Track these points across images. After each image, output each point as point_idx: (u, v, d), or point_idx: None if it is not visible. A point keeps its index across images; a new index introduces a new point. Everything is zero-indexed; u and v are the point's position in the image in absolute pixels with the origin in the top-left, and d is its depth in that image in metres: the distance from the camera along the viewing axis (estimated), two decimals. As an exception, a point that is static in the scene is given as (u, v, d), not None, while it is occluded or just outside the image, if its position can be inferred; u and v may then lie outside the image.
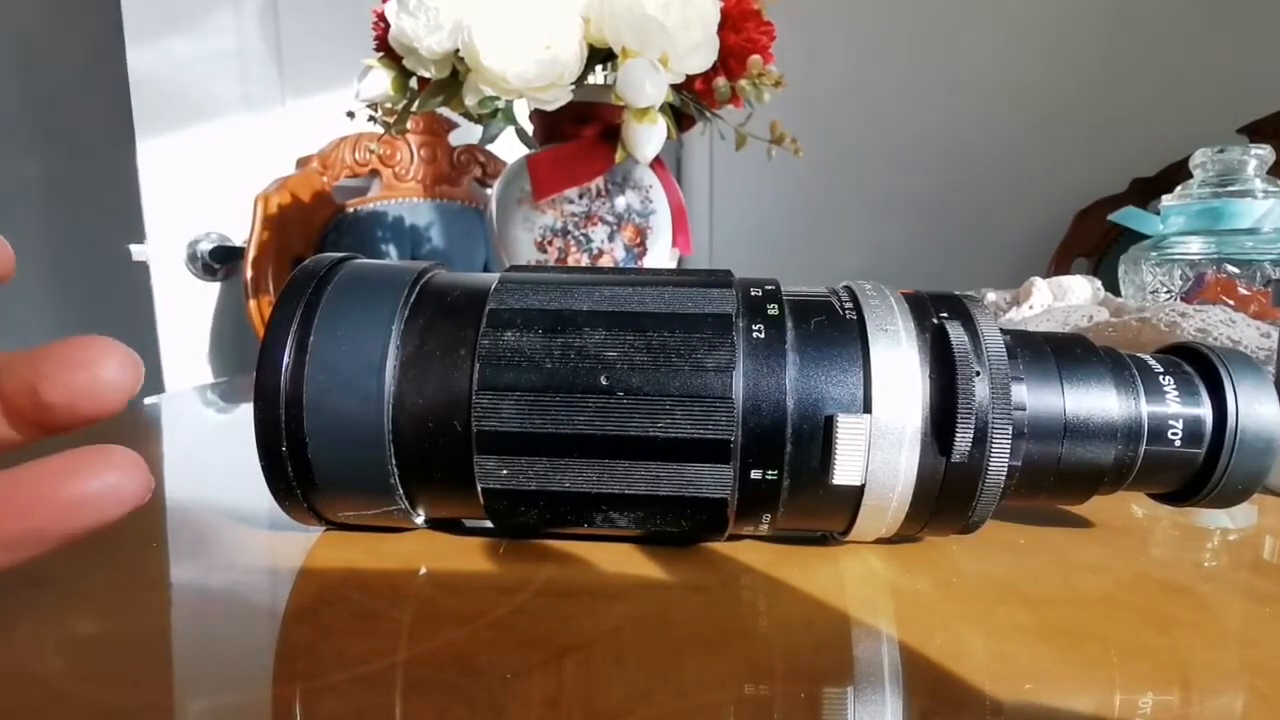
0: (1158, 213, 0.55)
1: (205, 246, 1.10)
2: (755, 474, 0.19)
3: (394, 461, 0.19)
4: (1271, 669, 0.16)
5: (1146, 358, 0.21)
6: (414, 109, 0.56)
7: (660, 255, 0.61)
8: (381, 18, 0.54)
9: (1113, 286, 0.51)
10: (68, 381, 0.13)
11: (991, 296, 0.48)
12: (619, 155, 0.55)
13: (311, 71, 1.13)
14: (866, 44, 1.26)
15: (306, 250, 1.03)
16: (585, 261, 0.59)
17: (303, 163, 1.05)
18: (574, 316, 0.19)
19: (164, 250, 1.10)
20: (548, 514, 0.20)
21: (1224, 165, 0.51)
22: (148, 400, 0.49)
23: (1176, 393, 0.20)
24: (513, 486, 0.19)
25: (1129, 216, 0.57)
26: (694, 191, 1.31)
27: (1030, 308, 0.44)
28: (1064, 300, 0.45)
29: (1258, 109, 1.01)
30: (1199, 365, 0.21)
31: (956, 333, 0.19)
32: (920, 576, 0.20)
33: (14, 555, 0.13)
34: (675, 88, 0.54)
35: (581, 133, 0.58)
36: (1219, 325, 0.32)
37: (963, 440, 0.18)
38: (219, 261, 1.11)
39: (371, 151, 1.00)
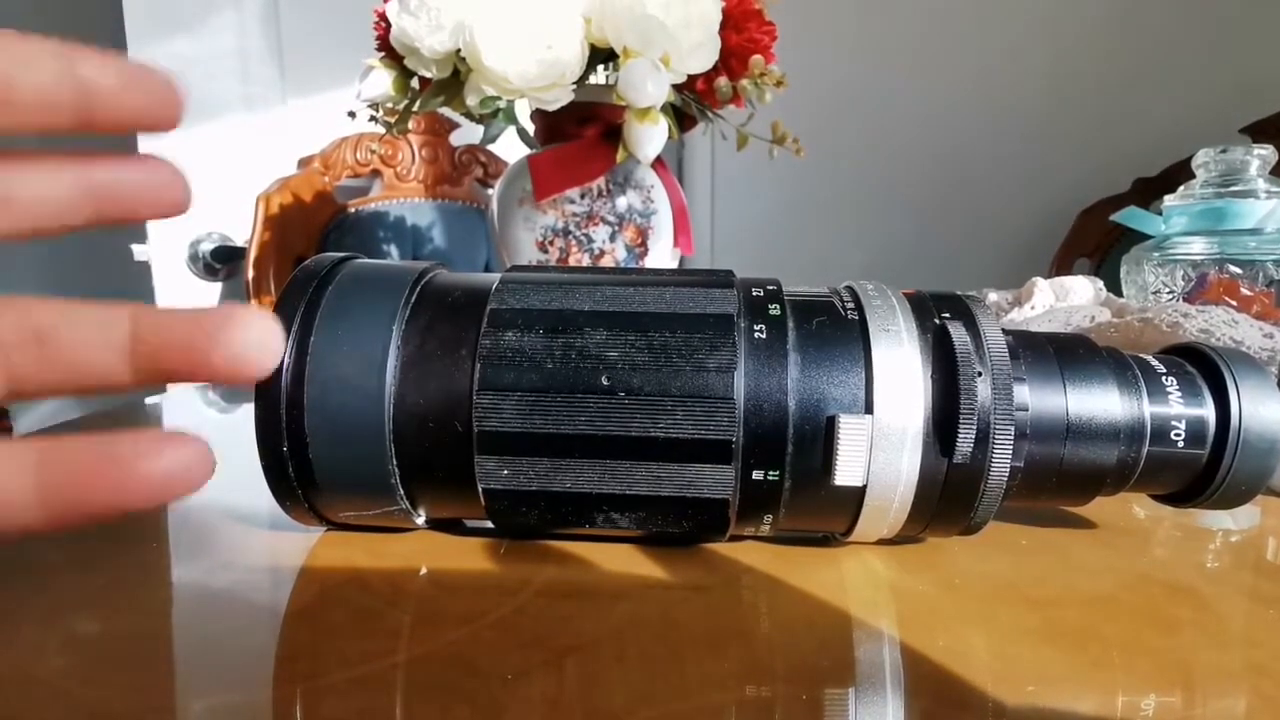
0: (1160, 213, 0.54)
1: (207, 246, 1.11)
2: (757, 474, 0.19)
3: (395, 461, 0.19)
4: (1274, 670, 0.16)
5: (1149, 358, 0.21)
6: (415, 109, 0.56)
7: (662, 255, 0.61)
8: (383, 17, 0.54)
9: (1115, 287, 0.51)
10: (239, 340, 0.14)
11: (993, 297, 0.48)
12: (620, 155, 0.55)
13: (312, 71, 1.13)
14: (868, 44, 1.26)
15: (308, 250, 1.03)
16: (586, 261, 0.58)
17: (304, 163, 1.05)
18: (575, 316, 0.19)
19: (165, 250, 1.10)
20: (548, 514, 0.20)
21: (1226, 165, 0.50)
22: (149, 400, 0.49)
23: (1179, 393, 0.20)
24: (514, 487, 0.19)
25: (1131, 216, 0.57)
26: (695, 191, 1.31)
27: (1032, 308, 0.44)
28: (1066, 301, 0.45)
29: (1260, 109, 1.01)
30: (1202, 366, 0.21)
31: (958, 333, 0.19)
32: (922, 577, 0.20)
33: (85, 520, 0.13)
34: (677, 88, 0.53)
35: (583, 133, 0.58)
36: (1222, 326, 0.32)
37: (965, 441, 0.18)
38: (220, 261, 1.11)
39: (373, 151, 1.00)
